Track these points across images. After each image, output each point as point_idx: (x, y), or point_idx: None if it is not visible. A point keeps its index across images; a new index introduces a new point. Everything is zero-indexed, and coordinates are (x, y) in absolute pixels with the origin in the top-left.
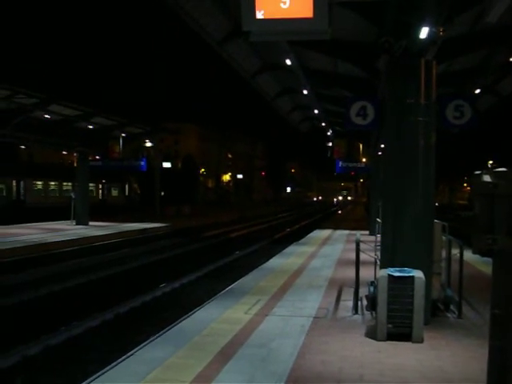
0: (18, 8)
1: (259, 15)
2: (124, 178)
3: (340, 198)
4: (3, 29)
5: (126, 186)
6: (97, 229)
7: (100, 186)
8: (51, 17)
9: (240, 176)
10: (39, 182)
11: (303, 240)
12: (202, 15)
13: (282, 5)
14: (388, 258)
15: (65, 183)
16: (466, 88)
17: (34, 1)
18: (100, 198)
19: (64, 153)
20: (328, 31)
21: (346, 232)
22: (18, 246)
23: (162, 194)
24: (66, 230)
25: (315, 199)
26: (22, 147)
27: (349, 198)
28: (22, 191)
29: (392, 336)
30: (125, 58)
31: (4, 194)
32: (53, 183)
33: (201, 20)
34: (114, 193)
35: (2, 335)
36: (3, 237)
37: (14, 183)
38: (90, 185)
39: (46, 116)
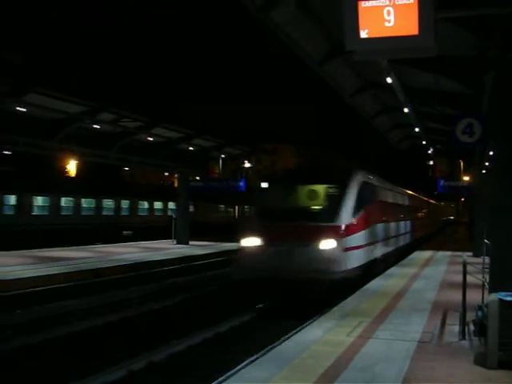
0: (122, 35)
1: (363, 34)
2: None
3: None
4: (110, 56)
5: None
6: (196, 248)
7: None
8: (154, 43)
9: None
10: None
11: (404, 261)
12: (301, 36)
13: (386, 23)
14: (498, 282)
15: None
16: None
17: (139, 31)
18: None
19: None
20: (434, 47)
21: (449, 253)
22: (121, 264)
23: None
24: (167, 249)
25: None
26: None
27: None
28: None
29: (504, 364)
30: (223, 81)
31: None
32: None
33: (301, 41)
34: None
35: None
36: (106, 255)
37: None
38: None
39: (149, 138)
